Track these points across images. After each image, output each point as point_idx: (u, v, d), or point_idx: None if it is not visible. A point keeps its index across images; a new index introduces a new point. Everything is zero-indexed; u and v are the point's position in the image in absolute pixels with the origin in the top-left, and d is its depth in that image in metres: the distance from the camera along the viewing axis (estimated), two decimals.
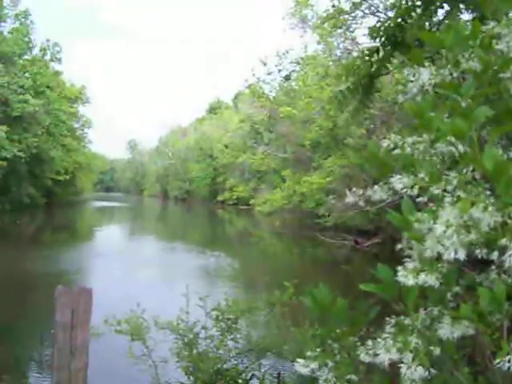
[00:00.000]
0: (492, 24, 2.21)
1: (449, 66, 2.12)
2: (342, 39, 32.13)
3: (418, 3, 8.13)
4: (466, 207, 1.72)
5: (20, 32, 59.61)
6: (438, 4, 7.95)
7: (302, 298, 2.33)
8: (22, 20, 61.13)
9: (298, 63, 42.49)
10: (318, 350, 2.17)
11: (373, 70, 9.47)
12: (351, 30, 27.85)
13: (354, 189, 2.33)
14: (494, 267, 1.96)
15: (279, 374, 6.41)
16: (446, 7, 8.03)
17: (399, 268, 1.90)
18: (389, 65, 9.41)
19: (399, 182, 1.93)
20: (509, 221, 1.71)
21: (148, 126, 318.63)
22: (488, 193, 1.75)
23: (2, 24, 56.20)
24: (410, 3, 8.21)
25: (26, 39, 61.80)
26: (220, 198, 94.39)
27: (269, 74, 44.16)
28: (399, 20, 8.34)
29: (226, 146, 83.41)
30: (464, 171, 1.85)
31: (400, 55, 8.77)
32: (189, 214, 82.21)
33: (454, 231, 1.73)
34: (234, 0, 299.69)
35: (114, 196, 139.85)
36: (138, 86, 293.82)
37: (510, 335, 1.85)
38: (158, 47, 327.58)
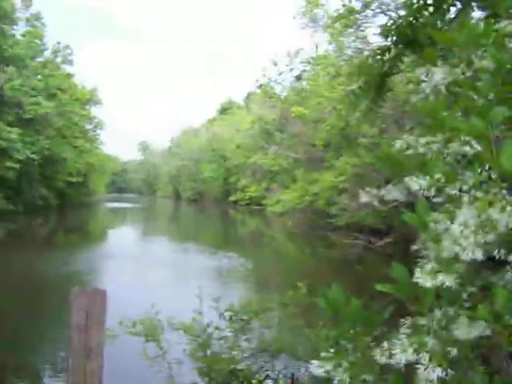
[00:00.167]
0: (505, 22, 2.20)
1: (461, 65, 2.11)
2: (353, 38, 32.07)
3: (430, 1, 8.10)
4: (483, 207, 1.71)
5: (32, 35, 59.99)
6: (450, 2, 7.92)
7: (315, 298, 2.33)
8: (34, 23, 61.54)
9: (309, 63, 42.43)
10: (332, 350, 2.17)
11: (385, 69, 9.43)
12: (362, 29, 27.79)
13: (367, 188, 2.33)
14: (509, 267, 1.95)
15: (293, 374, 6.40)
16: (458, 5, 7.99)
17: (417, 269, 1.89)
18: (401, 64, 9.37)
19: (415, 182, 1.93)
20: None
21: (148, 126, 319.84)
22: (504, 192, 1.74)
23: (15, 27, 56.47)
24: (421, 2, 8.18)
25: (38, 42, 62.22)
26: (232, 198, 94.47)
27: (280, 74, 44.15)
28: (411, 19, 8.30)
29: (238, 147, 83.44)
30: (480, 171, 1.84)
31: (412, 54, 8.73)
32: (201, 215, 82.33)
33: (472, 232, 1.72)
34: (234, 0, 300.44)
35: (127, 197, 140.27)
36: (137, 85, 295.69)
37: None
38: (158, 47, 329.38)
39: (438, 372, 1.81)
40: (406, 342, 1.90)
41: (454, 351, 1.88)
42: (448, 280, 1.83)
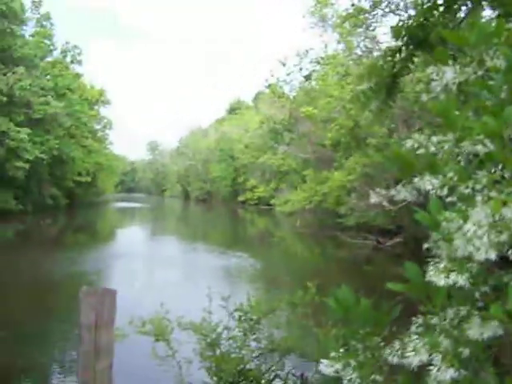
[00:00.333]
0: None
1: (473, 64, 2.10)
2: (362, 38, 32.03)
3: (440, 1, 8.08)
4: (497, 207, 1.71)
5: (41, 35, 60.20)
6: (461, 1, 7.90)
7: (324, 298, 2.33)
8: (43, 23, 61.77)
9: (318, 63, 42.38)
10: (342, 350, 2.17)
11: (395, 70, 9.42)
12: (371, 28, 27.71)
13: (377, 189, 2.32)
14: None
15: (302, 374, 6.40)
16: (469, 4, 7.98)
17: (430, 268, 1.89)
18: (411, 65, 9.36)
19: (428, 181, 1.92)
20: None
21: (148, 126, 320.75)
22: None
23: (24, 27, 56.69)
24: (431, 2, 8.17)
25: (48, 42, 62.44)
26: (241, 198, 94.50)
27: (288, 74, 44.09)
28: (421, 19, 8.28)
29: (247, 147, 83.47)
30: (492, 170, 1.83)
31: (422, 54, 8.71)
32: (210, 215, 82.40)
33: (485, 231, 1.72)
34: (234, 0, 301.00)
35: (135, 197, 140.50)
36: (137, 85, 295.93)
37: None
38: (158, 47, 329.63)
39: (450, 372, 1.80)
40: (419, 343, 1.90)
41: (466, 351, 1.88)
42: (461, 279, 1.83)
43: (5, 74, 48.68)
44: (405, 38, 8.70)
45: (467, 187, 1.85)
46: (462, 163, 1.96)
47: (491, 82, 2.02)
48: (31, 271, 20.91)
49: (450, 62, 2.16)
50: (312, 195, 40.44)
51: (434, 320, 1.97)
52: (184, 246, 34.66)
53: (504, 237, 1.72)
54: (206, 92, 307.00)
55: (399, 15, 16.19)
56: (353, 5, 21.45)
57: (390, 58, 9.38)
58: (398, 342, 2.00)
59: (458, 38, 2.17)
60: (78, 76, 71.45)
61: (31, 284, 18.65)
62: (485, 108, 1.93)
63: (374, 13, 21.84)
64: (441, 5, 8.10)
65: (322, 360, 2.17)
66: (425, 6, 8.23)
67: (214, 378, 6.21)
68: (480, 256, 1.74)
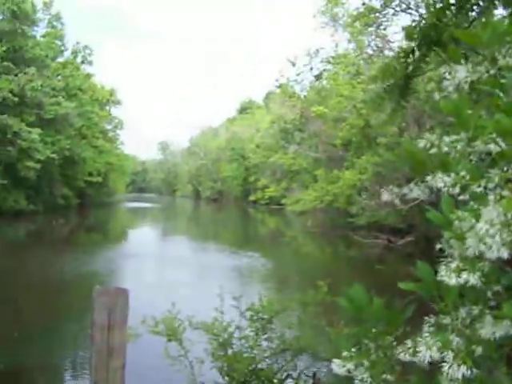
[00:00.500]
0: None
1: (485, 63, 2.10)
2: (373, 37, 31.96)
3: (453, 1, 8.05)
4: (510, 206, 1.70)
5: (52, 35, 60.37)
6: (474, 1, 7.87)
7: (336, 298, 2.33)
8: (54, 23, 61.94)
9: (329, 62, 42.31)
10: (354, 349, 2.17)
11: (409, 70, 9.40)
12: (382, 27, 27.65)
13: (390, 187, 2.32)
14: None
15: (315, 373, 6.39)
16: (481, 3, 7.95)
17: (442, 267, 1.89)
18: (425, 65, 9.33)
19: (440, 180, 1.92)
20: None
21: (148, 126, 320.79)
22: None
23: (35, 28, 56.90)
24: (444, 2, 8.14)
25: (59, 42, 62.60)
26: (252, 197, 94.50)
27: (298, 74, 44.01)
28: (434, 20, 8.25)
29: (258, 146, 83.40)
30: (505, 169, 1.83)
31: (435, 56, 8.67)
32: (221, 214, 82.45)
33: (498, 230, 1.72)
34: (234, 0, 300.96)
35: (146, 197, 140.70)
36: (136, 85, 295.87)
37: None
38: (158, 47, 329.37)
39: (462, 371, 1.80)
40: (431, 340, 1.90)
41: (478, 350, 1.88)
42: (472, 278, 1.82)
43: (16, 75, 48.89)
44: (418, 39, 8.67)
45: (479, 186, 1.85)
46: (475, 162, 1.96)
47: (503, 81, 2.02)
48: (43, 271, 20.98)
49: (463, 60, 2.16)
50: (323, 195, 40.36)
51: (446, 319, 1.97)
52: (195, 246, 34.70)
53: None
54: (206, 92, 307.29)
55: (410, 14, 16.14)
56: (364, 4, 21.38)
57: (403, 60, 9.36)
58: (410, 340, 2.00)
59: (470, 37, 2.16)
60: (88, 76, 71.61)
61: (43, 284, 18.71)
62: (497, 106, 1.93)
63: (385, 12, 21.79)
64: (453, 5, 8.07)
65: (333, 360, 2.17)
66: (437, 6, 8.20)
67: (226, 378, 6.22)
68: (492, 255, 1.74)
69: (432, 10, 8.42)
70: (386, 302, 2.20)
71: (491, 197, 1.78)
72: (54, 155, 51.63)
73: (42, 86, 50.04)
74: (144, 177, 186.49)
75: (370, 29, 29.31)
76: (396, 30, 28.64)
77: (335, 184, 37.85)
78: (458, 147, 1.98)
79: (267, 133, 74.11)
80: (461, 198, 1.94)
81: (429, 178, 1.97)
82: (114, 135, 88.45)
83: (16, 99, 47.61)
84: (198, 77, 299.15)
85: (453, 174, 1.90)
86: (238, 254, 28.88)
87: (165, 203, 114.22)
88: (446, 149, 2.01)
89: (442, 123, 2.36)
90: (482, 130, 1.90)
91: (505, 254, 1.73)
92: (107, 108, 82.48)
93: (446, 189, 1.91)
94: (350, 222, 36.65)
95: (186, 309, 6.60)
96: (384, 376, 2.09)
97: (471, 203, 1.88)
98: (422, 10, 10.35)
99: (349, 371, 2.12)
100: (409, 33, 8.68)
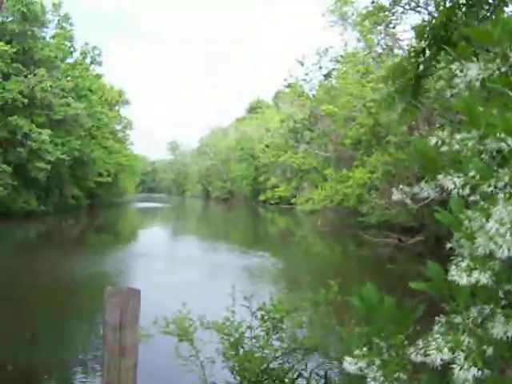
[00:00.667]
0: None
1: (497, 61, 2.09)
2: (383, 36, 31.90)
3: (463, 0, 8.02)
4: None
5: (62, 36, 60.52)
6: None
7: (348, 298, 2.33)
8: (63, 24, 62.10)
9: (338, 61, 42.25)
10: (365, 348, 2.16)
11: (419, 70, 9.38)
12: (391, 26, 27.60)
13: (400, 186, 2.31)
14: None
15: (326, 372, 6.39)
16: (491, 1, 7.92)
17: (452, 267, 1.88)
18: (436, 64, 9.30)
19: (450, 181, 1.91)
20: None
21: (148, 126, 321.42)
22: None
23: (44, 29, 57.04)
24: (454, 1, 8.11)
25: (68, 43, 62.77)
26: (262, 197, 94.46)
27: (306, 74, 43.92)
28: (444, 19, 8.23)
29: (267, 146, 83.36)
30: None
31: (446, 55, 8.63)
32: (231, 214, 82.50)
33: (508, 229, 1.71)
34: (234, 0, 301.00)
35: (156, 197, 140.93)
36: (136, 85, 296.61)
37: None
38: (158, 47, 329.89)
39: (473, 371, 1.79)
40: (442, 342, 1.89)
41: (489, 350, 1.87)
42: (483, 277, 1.82)
43: (26, 76, 49.05)
44: (428, 38, 8.65)
45: (489, 185, 1.84)
46: (486, 160, 1.95)
47: None
48: (53, 272, 21.04)
49: (474, 58, 2.15)
50: (333, 194, 40.32)
51: (458, 319, 1.96)
52: (205, 246, 34.75)
53: None
54: (206, 92, 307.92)
55: (419, 12, 16.11)
56: (373, 2, 21.36)
57: (413, 59, 9.33)
58: (421, 341, 1.99)
59: (481, 35, 2.15)
60: (98, 77, 71.79)
61: (53, 285, 18.77)
62: (506, 105, 1.92)
63: (394, 10, 21.75)
64: (463, 4, 8.04)
65: (345, 357, 2.16)
66: (447, 5, 8.18)
67: (238, 378, 6.22)
68: (502, 254, 1.73)
69: (442, 8, 8.39)
70: (397, 301, 2.20)
71: (501, 196, 1.77)
72: (64, 156, 51.76)
73: (51, 87, 50.17)
74: (154, 177, 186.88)
75: (379, 27, 29.28)
76: (405, 29, 28.58)
77: (345, 183, 37.79)
78: (469, 145, 1.98)
79: (277, 132, 74.01)
80: (474, 198, 1.93)
81: (440, 176, 1.96)
82: (124, 135, 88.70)
83: (26, 100, 47.76)
84: (198, 77, 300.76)
85: (463, 175, 1.90)
86: (248, 254, 28.89)
87: (175, 203, 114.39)
88: (456, 146, 2.00)
89: (452, 121, 2.35)
90: (493, 127, 1.89)
91: None
92: (116, 108, 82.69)
93: (456, 190, 1.91)
94: (360, 221, 36.61)
95: (196, 309, 6.60)
96: (397, 374, 2.09)
97: (481, 203, 1.87)
98: (431, 8, 10.32)
99: (360, 369, 2.12)
100: (419, 32, 8.65)
